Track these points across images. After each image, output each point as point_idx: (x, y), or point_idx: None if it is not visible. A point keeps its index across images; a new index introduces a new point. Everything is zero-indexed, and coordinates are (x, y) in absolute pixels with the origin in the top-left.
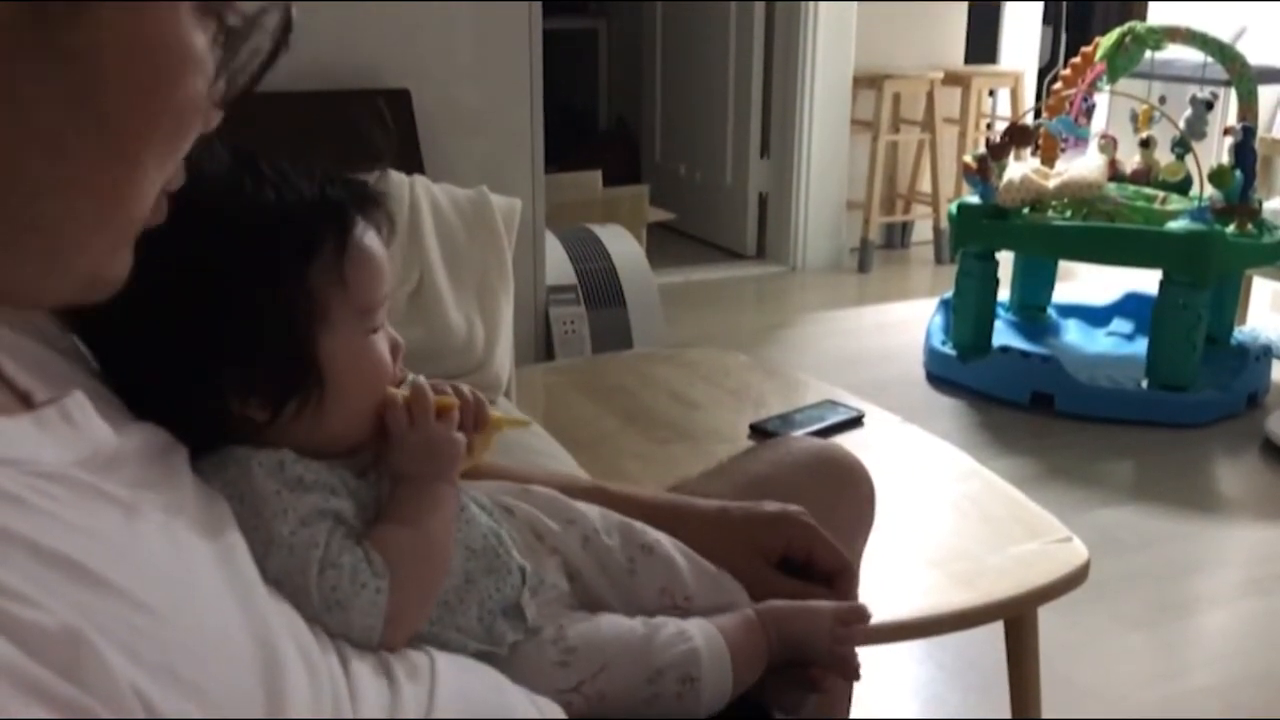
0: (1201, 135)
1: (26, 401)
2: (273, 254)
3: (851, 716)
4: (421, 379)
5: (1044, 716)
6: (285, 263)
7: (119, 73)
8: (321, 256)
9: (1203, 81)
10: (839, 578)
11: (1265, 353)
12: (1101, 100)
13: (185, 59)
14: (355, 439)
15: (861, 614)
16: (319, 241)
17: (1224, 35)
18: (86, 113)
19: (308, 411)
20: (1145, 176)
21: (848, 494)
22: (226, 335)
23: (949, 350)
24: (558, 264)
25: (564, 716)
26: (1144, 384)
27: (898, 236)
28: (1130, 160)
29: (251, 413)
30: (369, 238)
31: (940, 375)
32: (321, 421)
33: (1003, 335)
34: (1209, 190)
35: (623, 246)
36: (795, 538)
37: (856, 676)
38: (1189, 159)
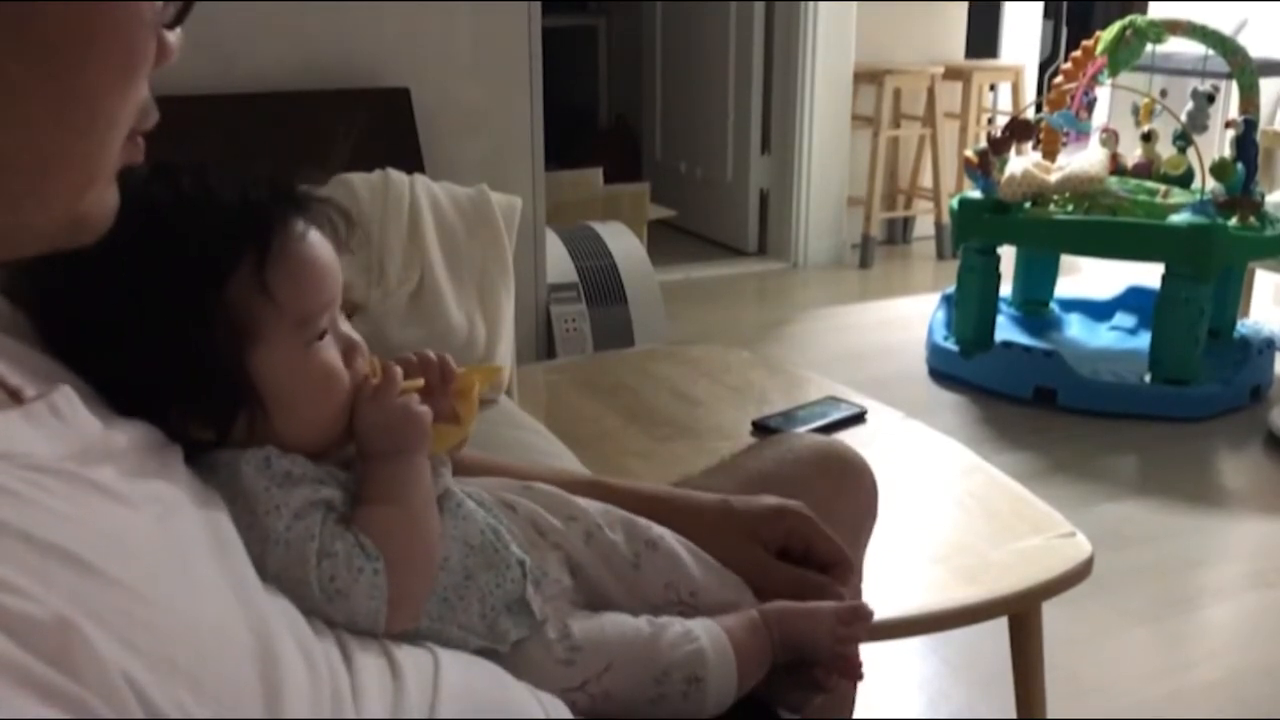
0: (1203, 128)
1: (15, 397)
2: (183, 277)
3: (856, 713)
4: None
5: (1048, 712)
6: (198, 285)
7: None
8: (238, 273)
9: (1204, 74)
10: (835, 570)
11: (1268, 346)
12: (1103, 94)
13: None
14: (326, 442)
15: (863, 614)
16: (234, 258)
17: (1225, 28)
18: (29, 43)
19: (257, 427)
20: (1147, 170)
21: (850, 490)
22: (147, 364)
23: (951, 345)
24: (559, 262)
25: (568, 713)
26: (1147, 378)
27: (899, 232)
28: (1132, 154)
29: (196, 433)
30: (300, 244)
31: (942, 371)
32: (277, 434)
33: (1005, 330)
34: (1211, 183)
35: (624, 244)
36: (794, 530)
37: (859, 676)
38: (1191, 152)
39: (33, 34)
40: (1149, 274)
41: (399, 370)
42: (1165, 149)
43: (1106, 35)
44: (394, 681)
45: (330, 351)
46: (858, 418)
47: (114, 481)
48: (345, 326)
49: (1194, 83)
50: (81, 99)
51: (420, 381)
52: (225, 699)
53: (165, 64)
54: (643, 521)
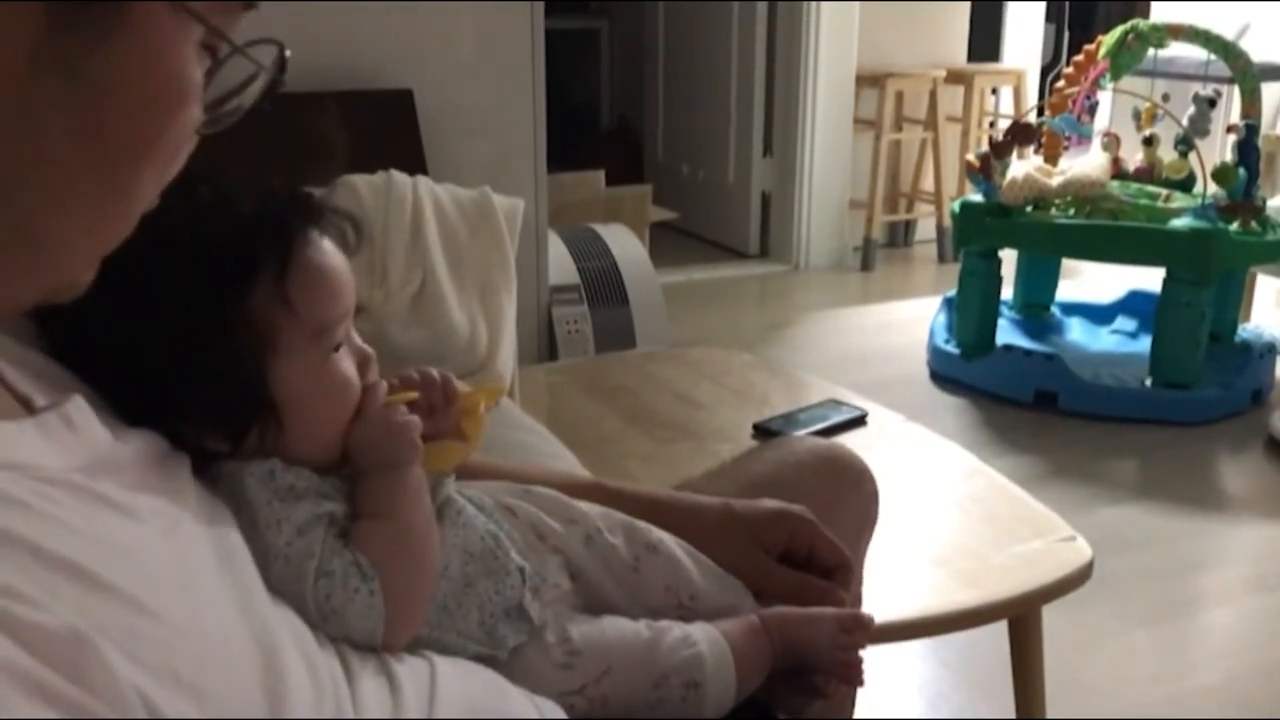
0: (1205, 133)
1: (27, 406)
2: (206, 289)
3: (856, 715)
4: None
5: (1049, 715)
6: (220, 297)
7: (129, 100)
8: (260, 285)
9: (1206, 79)
10: (837, 574)
11: (1269, 350)
12: (1104, 98)
13: (186, 90)
14: (336, 453)
15: (864, 621)
16: (255, 270)
17: (1227, 32)
18: (96, 136)
19: (270, 438)
20: (1148, 174)
21: (851, 493)
22: (167, 376)
23: (952, 349)
24: (561, 264)
25: (566, 719)
26: (1148, 382)
27: (901, 235)
28: (1133, 158)
29: (211, 444)
30: (318, 254)
31: (944, 374)
32: (289, 446)
33: (1006, 333)
34: (1212, 188)
35: (625, 246)
36: (796, 534)
37: (860, 683)
38: (1192, 156)
39: (105, 132)
40: (1150, 278)
41: (384, 385)
42: (1167, 153)
43: (1108, 39)
44: (392, 690)
45: (346, 363)
46: (859, 420)
47: (121, 494)
48: (358, 339)
49: (1196, 87)
50: (126, 197)
51: (412, 394)
52: (229, 709)
53: None
54: (643, 525)
